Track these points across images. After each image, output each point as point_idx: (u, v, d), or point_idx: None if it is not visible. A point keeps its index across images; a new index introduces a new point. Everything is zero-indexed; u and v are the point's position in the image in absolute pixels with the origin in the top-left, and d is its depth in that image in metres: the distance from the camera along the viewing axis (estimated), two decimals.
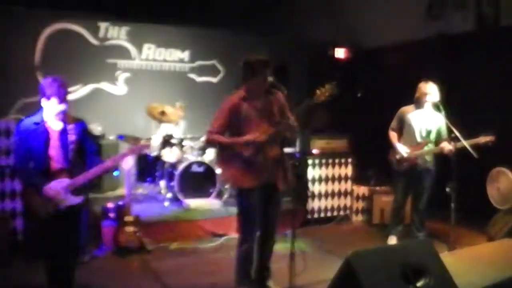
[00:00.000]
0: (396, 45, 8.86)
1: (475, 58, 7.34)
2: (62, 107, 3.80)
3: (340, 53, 9.50)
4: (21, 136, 3.81)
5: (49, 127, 3.84)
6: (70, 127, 3.89)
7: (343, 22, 9.55)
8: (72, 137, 3.87)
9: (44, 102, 3.80)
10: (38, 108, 3.91)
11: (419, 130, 5.77)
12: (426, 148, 5.75)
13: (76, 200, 3.87)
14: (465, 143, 5.36)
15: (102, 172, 3.94)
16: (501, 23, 7.27)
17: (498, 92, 6.99)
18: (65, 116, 3.88)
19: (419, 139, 5.76)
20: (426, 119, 5.77)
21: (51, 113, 3.81)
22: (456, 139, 5.44)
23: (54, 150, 3.83)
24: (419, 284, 3.50)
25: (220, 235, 6.16)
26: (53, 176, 3.82)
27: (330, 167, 7.12)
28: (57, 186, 3.79)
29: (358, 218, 7.31)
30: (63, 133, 3.86)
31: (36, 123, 3.81)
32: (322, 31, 9.69)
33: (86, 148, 3.98)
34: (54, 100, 3.75)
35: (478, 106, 7.12)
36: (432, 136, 5.77)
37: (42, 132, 3.80)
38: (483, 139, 5.41)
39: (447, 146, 5.48)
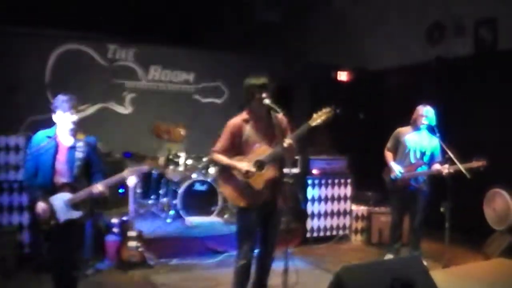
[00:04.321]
0: (397, 69, 9.05)
1: (473, 82, 7.51)
2: (72, 118, 3.99)
3: (343, 75, 9.66)
4: (32, 149, 4.00)
5: (59, 142, 4.03)
6: (80, 144, 4.07)
7: (346, 45, 9.76)
8: (79, 154, 4.05)
9: (56, 117, 4.01)
10: (47, 125, 4.12)
11: (414, 151, 5.91)
12: (420, 170, 5.88)
13: (76, 214, 4.02)
14: (460, 166, 5.49)
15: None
16: (498, 48, 7.44)
17: (495, 114, 7.13)
18: (76, 132, 4.07)
19: (413, 160, 5.90)
20: (421, 141, 5.91)
21: (63, 128, 4.01)
22: (450, 162, 5.58)
23: (61, 164, 4.01)
24: None
25: (221, 252, 6.28)
26: (57, 190, 3.99)
27: (329, 187, 7.26)
28: (59, 200, 3.96)
29: (357, 238, 7.40)
30: (72, 149, 4.05)
31: (49, 137, 4.00)
32: (325, 54, 9.91)
33: (92, 167, 4.15)
34: (64, 112, 3.95)
35: (475, 128, 7.26)
36: (426, 157, 5.90)
37: (52, 146, 3.99)
38: (475, 164, 5.53)
39: (444, 169, 5.61)
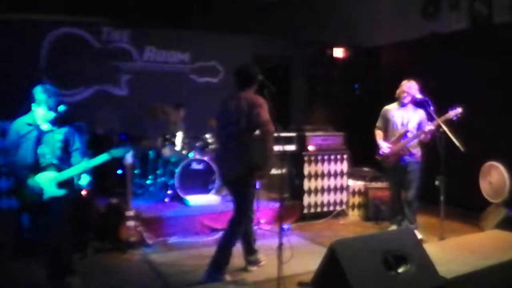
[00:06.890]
0: (392, 44, 9.04)
1: (469, 56, 7.51)
2: (50, 114, 4.11)
3: (338, 52, 9.66)
4: (13, 135, 4.13)
5: (39, 128, 4.15)
6: (58, 126, 4.21)
7: (342, 22, 9.72)
8: (59, 136, 4.21)
9: (34, 107, 4.11)
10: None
11: (400, 123, 6.00)
12: (406, 138, 5.90)
13: (59, 192, 4.18)
14: (443, 125, 5.50)
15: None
16: (493, 21, 7.42)
17: (491, 87, 7.14)
18: (54, 120, 4.17)
19: (400, 130, 5.96)
20: (407, 115, 5.99)
21: (40, 118, 4.12)
22: (439, 127, 5.58)
23: (43, 147, 4.15)
24: (400, 270, 3.68)
25: (218, 230, 6.33)
26: (42, 170, 4.14)
27: (326, 163, 7.28)
28: (44, 178, 4.11)
29: (354, 213, 7.45)
30: (51, 132, 4.19)
31: (28, 124, 4.13)
32: (321, 32, 9.88)
33: (71, 146, 4.30)
34: (43, 108, 4.06)
35: (471, 102, 7.25)
36: (411, 125, 5.92)
37: (32, 132, 4.11)
38: (452, 113, 5.55)
39: (426, 128, 5.69)
